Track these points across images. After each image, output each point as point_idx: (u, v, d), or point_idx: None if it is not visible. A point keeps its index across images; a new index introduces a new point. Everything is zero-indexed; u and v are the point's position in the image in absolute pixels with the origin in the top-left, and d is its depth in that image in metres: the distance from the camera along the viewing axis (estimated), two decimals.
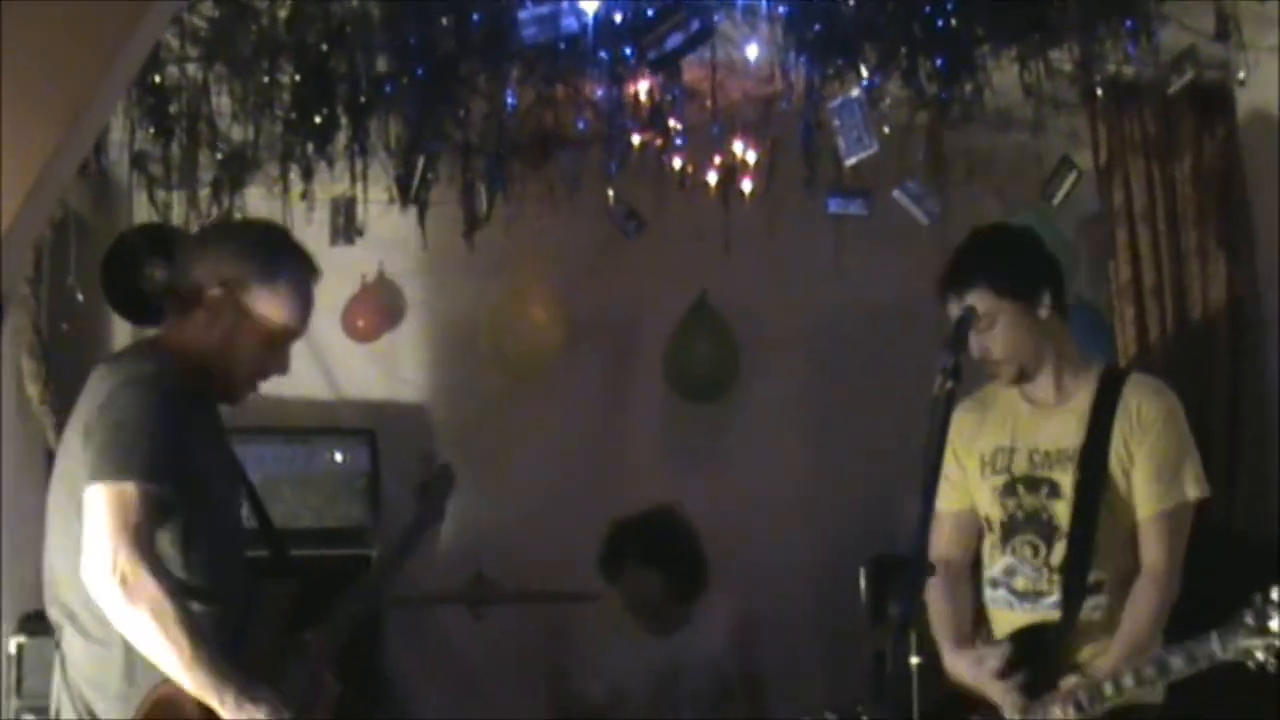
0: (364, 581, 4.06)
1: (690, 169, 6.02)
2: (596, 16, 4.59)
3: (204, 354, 3.60)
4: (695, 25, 4.36)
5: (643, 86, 5.41)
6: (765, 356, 6.77)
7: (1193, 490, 3.92)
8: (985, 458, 4.12)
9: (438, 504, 4.23)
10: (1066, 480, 3.97)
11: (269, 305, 3.60)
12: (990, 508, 4.11)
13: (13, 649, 5.40)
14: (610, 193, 5.68)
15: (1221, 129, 5.59)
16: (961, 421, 4.11)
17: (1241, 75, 5.04)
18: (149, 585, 3.29)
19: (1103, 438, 3.92)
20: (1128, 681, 3.71)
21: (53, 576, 3.53)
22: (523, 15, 4.65)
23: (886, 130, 5.16)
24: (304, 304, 3.69)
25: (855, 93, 4.71)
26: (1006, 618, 4.08)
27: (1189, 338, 5.57)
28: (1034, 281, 3.98)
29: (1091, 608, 3.93)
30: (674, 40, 4.40)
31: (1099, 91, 5.40)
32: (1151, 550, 3.89)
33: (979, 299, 3.93)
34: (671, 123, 5.57)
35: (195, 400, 3.57)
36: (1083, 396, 4.00)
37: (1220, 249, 5.56)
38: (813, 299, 6.70)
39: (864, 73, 4.76)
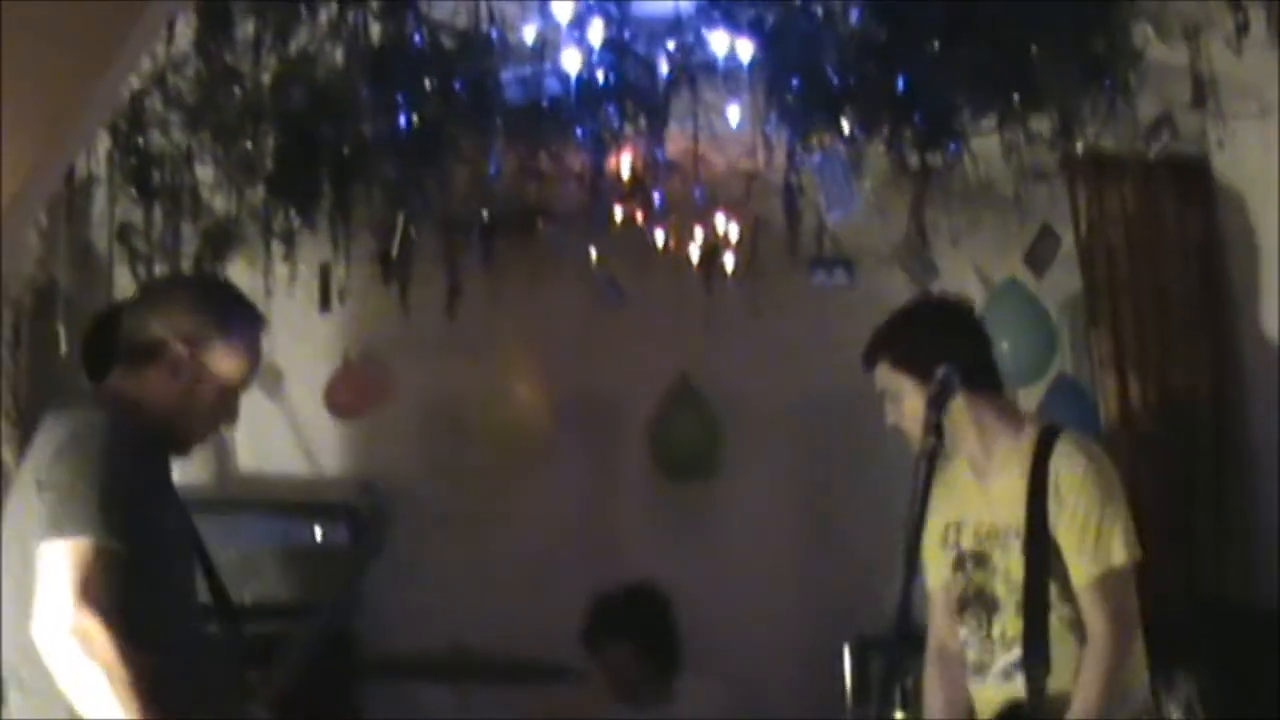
0: (305, 625, 4.00)
1: (673, 243, 6.04)
2: (579, 78, 4.62)
3: (160, 407, 3.58)
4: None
5: (625, 159, 5.45)
6: (749, 434, 6.77)
7: (1120, 554, 3.87)
8: (940, 533, 4.12)
9: (376, 534, 4.19)
10: (1001, 557, 3.97)
11: (226, 359, 3.63)
12: (949, 583, 4.12)
13: None
14: (593, 252, 5.65)
15: (1200, 200, 5.62)
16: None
17: (1218, 140, 5.07)
18: (106, 644, 3.22)
19: (1039, 514, 3.91)
20: None
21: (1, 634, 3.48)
22: (505, 76, 4.68)
23: (868, 184, 5.17)
24: (257, 356, 3.73)
25: (838, 147, 4.72)
26: (973, 691, 4.07)
27: (1172, 409, 5.56)
28: (933, 359, 3.88)
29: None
30: None
31: (1079, 159, 5.42)
32: (1091, 619, 3.86)
33: (881, 373, 4.06)
34: (654, 196, 5.61)
35: (148, 451, 3.54)
36: (1016, 467, 3.97)
37: (1202, 320, 5.58)
38: (796, 376, 6.71)
39: (845, 128, 4.76)
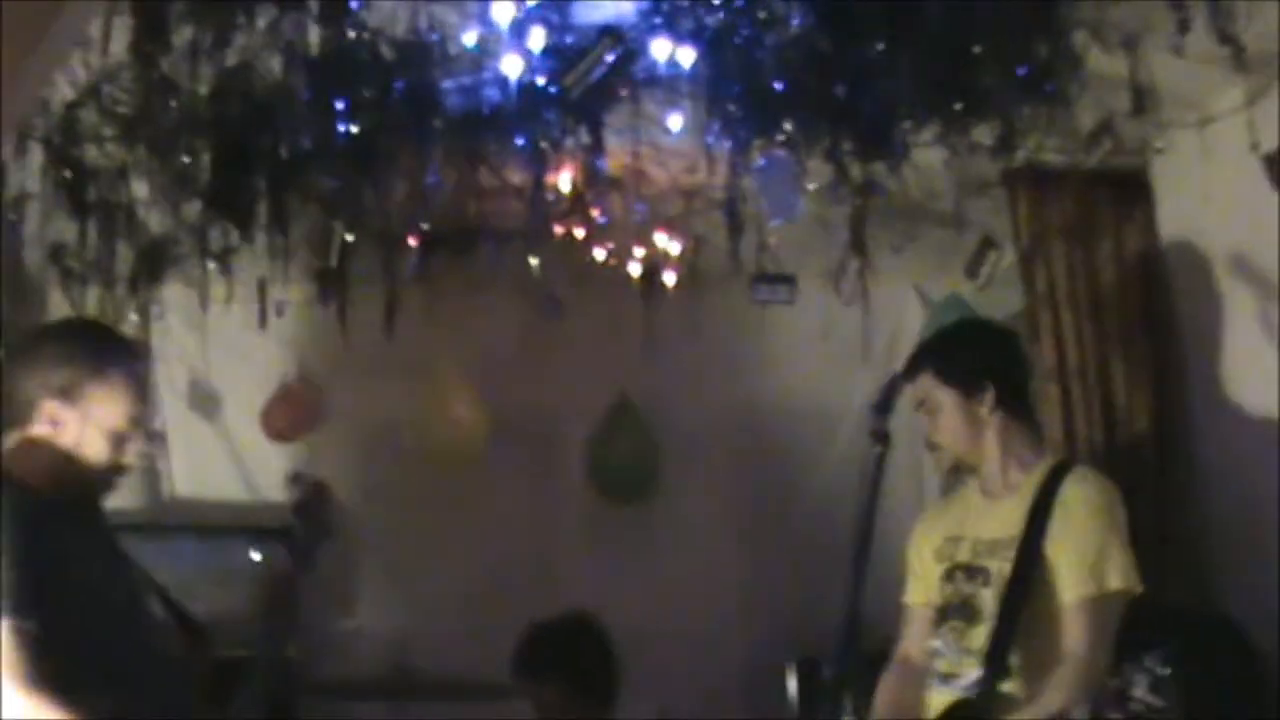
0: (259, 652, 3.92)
1: (613, 261, 6.00)
2: (519, 83, 4.58)
3: (53, 465, 3.50)
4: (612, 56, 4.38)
5: (565, 176, 5.40)
6: (689, 453, 6.74)
7: (1116, 581, 3.91)
8: (936, 547, 4.20)
9: (322, 520, 4.11)
10: (997, 568, 3.98)
11: (106, 404, 3.53)
12: (934, 594, 4.17)
13: None
14: (533, 266, 5.59)
15: (1140, 212, 5.64)
16: (928, 518, 4.36)
17: (1159, 145, 5.09)
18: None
19: (1038, 529, 3.95)
20: None
21: None
22: (445, 85, 4.64)
23: (810, 194, 5.14)
24: (141, 391, 3.64)
25: (780, 153, 4.69)
26: (933, 699, 4.08)
27: (1114, 419, 5.57)
28: (976, 375, 4.11)
29: (1005, 690, 3.90)
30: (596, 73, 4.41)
31: (1020, 171, 5.42)
32: (1071, 637, 3.88)
33: (923, 384, 4.16)
34: (594, 213, 5.56)
35: (58, 514, 3.46)
36: (1028, 489, 4.03)
37: (1143, 330, 5.59)
38: (737, 394, 6.70)
39: (787, 136, 4.73)
